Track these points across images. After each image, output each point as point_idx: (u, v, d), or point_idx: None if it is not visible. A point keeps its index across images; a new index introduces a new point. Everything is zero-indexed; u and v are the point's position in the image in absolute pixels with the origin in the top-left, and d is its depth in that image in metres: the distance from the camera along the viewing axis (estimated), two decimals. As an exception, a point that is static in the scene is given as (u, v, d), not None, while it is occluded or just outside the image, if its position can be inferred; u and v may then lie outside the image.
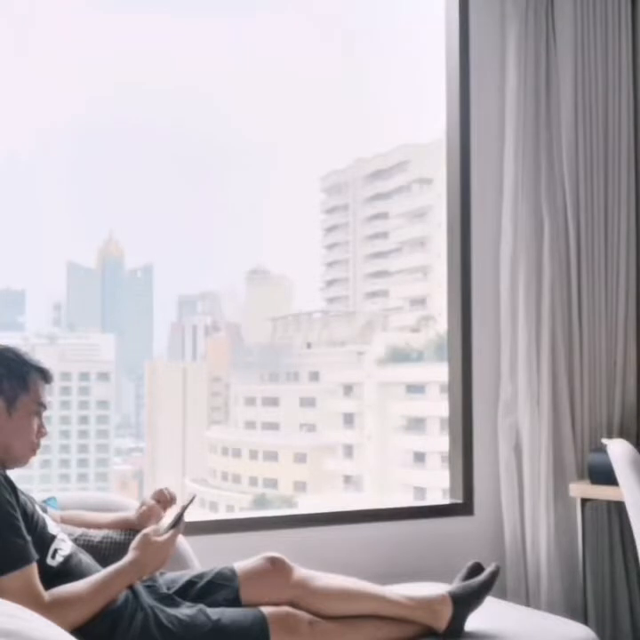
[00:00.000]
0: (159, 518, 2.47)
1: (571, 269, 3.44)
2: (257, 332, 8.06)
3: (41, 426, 2.23)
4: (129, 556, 2.14)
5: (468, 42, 3.49)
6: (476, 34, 3.49)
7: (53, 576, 2.09)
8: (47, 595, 2.02)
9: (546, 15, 3.44)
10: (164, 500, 2.52)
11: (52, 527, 2.20)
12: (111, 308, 7.98)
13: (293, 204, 8.52)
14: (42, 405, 2.23)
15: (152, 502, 2.50)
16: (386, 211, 7.54)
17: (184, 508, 2.22)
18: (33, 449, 2.23)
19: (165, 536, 2.18)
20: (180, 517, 2.21)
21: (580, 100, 3.45)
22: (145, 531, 2.19)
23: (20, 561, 1.99)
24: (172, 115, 8.31)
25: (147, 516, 2.46)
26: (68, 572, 2.13)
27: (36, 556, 2.03)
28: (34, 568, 2.02)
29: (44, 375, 2.25)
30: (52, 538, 2.16)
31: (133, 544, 2.16)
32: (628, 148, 3.51)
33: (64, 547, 2.18)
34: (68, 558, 2.16)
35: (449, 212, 3.54)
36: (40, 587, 2.02)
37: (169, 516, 2.37)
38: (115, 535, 2.43)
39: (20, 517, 2.04)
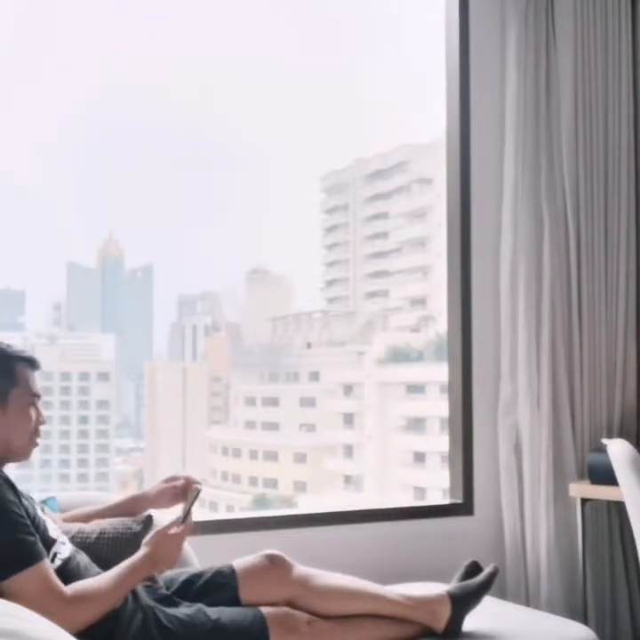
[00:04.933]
0: (174, 498, 2.45)
1: (571, 269, 3.44)
2: (257, 332, 8.05)
3: (38, 415, 2.22)
4: (142, 550, 2.15)
5: (468, 42, 3.49)
6: (476, 34, 3.50)
7: None
8: (68, 589, 2.02)
9: (546, 15, 3.44)
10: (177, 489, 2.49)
11: (53, 530, 2.19)
12: (111, 308, 7.97)
13: (293, 204, 8.51)
14: (34, 395, 2.22)
15: (176, 483, 2.48)
16: (386, 211, 7.52)
17: (191, 503, 2.23)
18: (33, 440, 2.22)
19: (176, 530, 2.18)
20: (188, 512, 2.22)
21: (580, 100, 3.46)
22: (158, 528, 2.20)
23: (34, 557, 1.99)
24: (171, 115, 8.31)
25: (162, 493, 2.46)
26: (65, 575, 2.12)
27: (45, 552, 2.03)
28: (48, 563, 2.02)
29: (31, 364, 2.23)
30: (53, 541, 2.16)
31: (146, 539, 2.17)
32: (628, 148, 3.52)
33: (63, 550, 2.18)
34: (66, 561, 2.15)
35: (449, 212, 3.54)
36: (58, 581, 2.01)
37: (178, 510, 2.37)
38: (110, 532, 2.42)
39: (24, 515, 2.04)
